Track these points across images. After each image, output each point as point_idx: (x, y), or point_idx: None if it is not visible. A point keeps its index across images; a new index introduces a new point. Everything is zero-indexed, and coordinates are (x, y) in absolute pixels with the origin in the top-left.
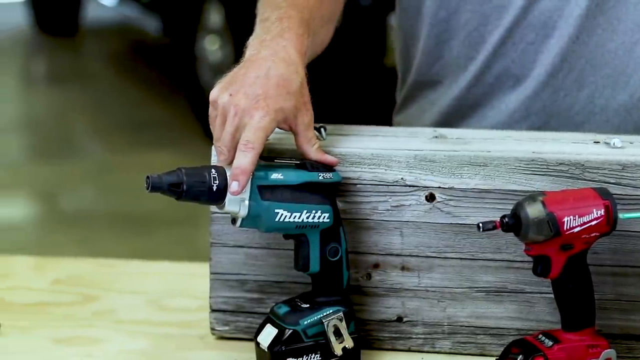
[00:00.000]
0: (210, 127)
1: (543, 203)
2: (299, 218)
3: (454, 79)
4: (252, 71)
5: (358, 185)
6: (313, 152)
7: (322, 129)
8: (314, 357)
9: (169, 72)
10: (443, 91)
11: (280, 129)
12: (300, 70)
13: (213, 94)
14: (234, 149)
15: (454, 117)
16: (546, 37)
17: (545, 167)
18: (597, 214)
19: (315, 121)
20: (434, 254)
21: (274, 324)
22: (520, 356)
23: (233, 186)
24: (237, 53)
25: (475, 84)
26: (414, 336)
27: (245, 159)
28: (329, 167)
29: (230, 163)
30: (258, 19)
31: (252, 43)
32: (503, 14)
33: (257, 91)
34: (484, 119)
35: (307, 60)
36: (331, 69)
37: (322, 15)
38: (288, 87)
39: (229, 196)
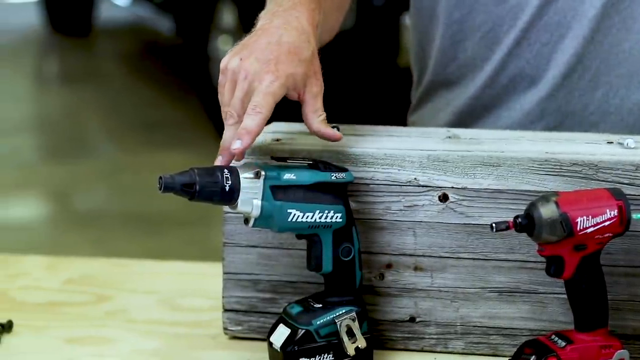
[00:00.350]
0: (219, 94)
1: (556, 203)
2: (311, 218)
3: (469, 80)
4: (264, 38)
5: (371, 185)
6: (316, 122)
7: (336, 129)
8: (326, 357)
9: (181, 72)
10: (458, 91)
11: (289, 97)
12: (312, 40)
13: (223, 61)
14: (243, 113)
15: (468, 117)
16: (561, 38)
17: (558, 167)
18: (610, 214)
19: (329, 120)
20: (447, 254)
21: (287, 324)
22: (533, 357)
23: (236, 144)
24: None
25: (490, 85)
26: (427, 336)
27: (252, 122)
28: (341, 167)
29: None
30: None
31: (264, 15)
32: (518, 15)
33: (268, 56)
34: (499, 120)
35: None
36: (345, 69)
37: (333, 1)
38: (299, 54)
39: (241, 196)
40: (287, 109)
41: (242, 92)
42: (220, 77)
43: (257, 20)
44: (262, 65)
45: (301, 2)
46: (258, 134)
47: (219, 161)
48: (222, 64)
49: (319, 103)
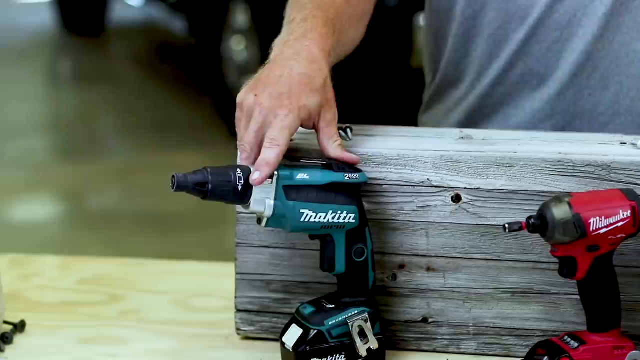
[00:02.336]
0: (237, 129)
1: (569, 204)
2: (324, 218)
3: (478, 78)
4: (276, 71)
5: (384, 186)
6: (333, 148)
7: (349, 130)
8: (338, 358)
9: (194, 73)
10: (467, 90)
11: (305, 127)
12: (323, 67)
13: (239, 97)
14: (257, 147)
15: (478, 116)
16: (570, 36)
17: (571, 168)
18: (623, 215)
19: (341, 121)
20: (459, 255)
21: (299, 324)
22: (546, 357)
23: (255, 175)
24: (263, 53)
25: (499, 83)
26: (439, 337)
27: (271, 153)
28: (355, 168)
29: (253, 162)
30: (285, 21)
31: (276, 45)
32: (528, 13)
33: (280, 90)
34: (508, 118)
35: (335, 59)
36: (357, 70)
37: (351, 14)
38: (311, 85)
39: (254, 196)
40: None
41: (257, 125)
42: (237, 113)
43: (271, 50)
44: (275, 101)
45: (313, 27)
46: (276, 165)
47: (260, 176)
48: (239, 100)
49: (333, 130)
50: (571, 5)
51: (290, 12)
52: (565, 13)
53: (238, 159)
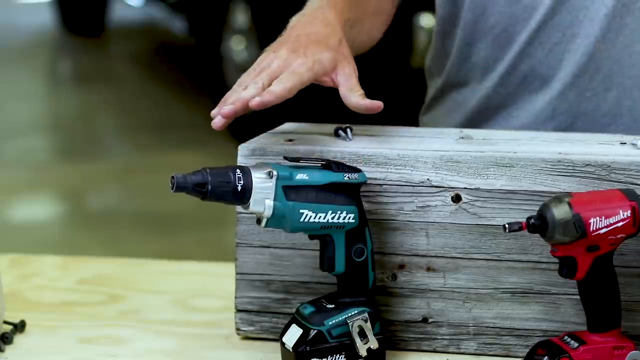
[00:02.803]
0: (249, 73)
1: (569, 204)
2: (324, 218)
3: (481, 80)
4: (293, 32)
5: (384, 186)
6: (355, 98)
7: (349, 130)
8: (338, 358)
9: (194, 73)
10: (470, 92)
11: (324, 84)
12: (338, 30)
13: (257, 61)
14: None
15: (480, 117)
16: (573, 37)
17: (571, 168)
18: (623, 215)
19: (341, 121)
20: (459, 255)
21: (299, 324)
22: (546, 357)
23: (255, 100)
24: None
25: (502, 84)
26: (439, 337)
27: (277, 86)
28: (354, 168)
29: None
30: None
31: (294, 17)
32: (532, 14)
33: (297, 47)
34: (511, 120)
35: (351, 42)
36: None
37: (366, 8)
38: (326, 42)
39: (253, 196)
40: (298, 109)
41: (272, 70)
42: (262, 60)
43: (289, 21)
44: (292, 54)
45: (328, 4)
46: (279, 99)
47: (228, 106)
48: (258, 59)
49: (353, 81)
50: (573, 7)
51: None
52: (567, 14)
53: (238, 158)
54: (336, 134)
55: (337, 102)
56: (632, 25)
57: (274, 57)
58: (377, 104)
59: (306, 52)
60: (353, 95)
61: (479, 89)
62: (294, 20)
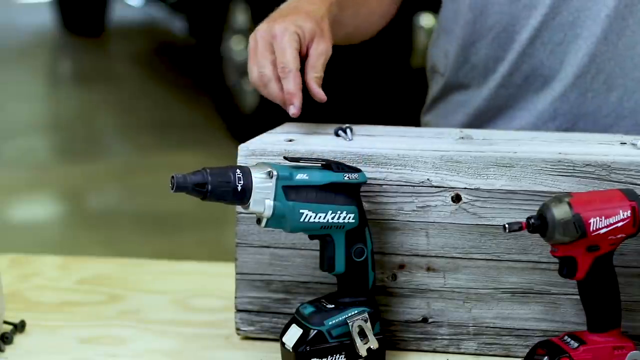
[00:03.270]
0: (250, 59)
1: (569, 204)
2: (324, 218)
3: (483, 81)
4: (277, 11)
5: (384, 186)
6: (310, 78)
7: (349, 130)
8: (338, 358)
9: (194, 73)
10: (472, 93)
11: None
12: (323, 9)
13: (252, 33)
14: (275, 69)
15: (482, 118)
16: (575, 38)
17: (571, 168)
18: (623, 215)
19: (342, 121)
20: (459, 255)
21: (299, 324)
22: (546, 357)
23: (291, 109)
24: None
25: (504, 85)
26: (439, 337)
27: (289, 84)
28: (354, 168)
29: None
30: None
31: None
32: (531, 13)
33: (283, 14)
34: (512, 120)
35: (338, 17)
36: (358, 70)
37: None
38: (308, 14)
39: (253, 196)
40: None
41: (263, 41)
42: (250, 42)
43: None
44: (271, 23)
45: None
46: (299, 91)
47: (295, 107)
48: (252, 34)
49: (320, 62)
50: (575, 7)
51: None
52: (569, 15)
53: (238, 158)
54: (336, 134)
55: (337, 102)
56: (634, 27)
57: (269, 28)
58: (320, 96)
59: (285, 19)
60: (310, 73)
61: (480, 89)
62: (282, 4)
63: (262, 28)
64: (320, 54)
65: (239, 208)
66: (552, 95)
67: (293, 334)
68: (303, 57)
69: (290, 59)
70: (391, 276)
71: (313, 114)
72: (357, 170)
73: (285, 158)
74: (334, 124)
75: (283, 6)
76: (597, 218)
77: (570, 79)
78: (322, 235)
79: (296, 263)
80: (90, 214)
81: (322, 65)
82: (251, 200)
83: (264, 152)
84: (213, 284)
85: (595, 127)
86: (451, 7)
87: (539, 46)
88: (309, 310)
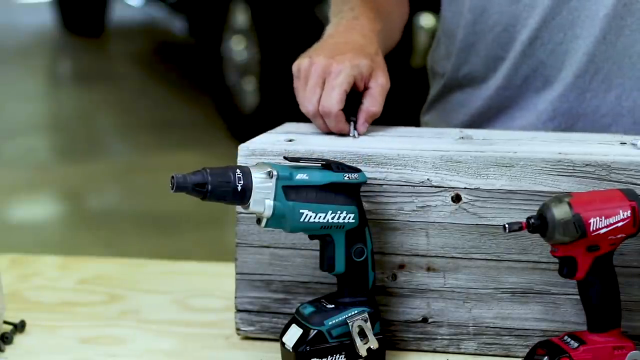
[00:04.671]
0: (296, 94)
1: (569, 204)
2: (324, 218)
3: (483, 81)
4: (330, 39)
5: (384, 186)
6: (364, 110)
7: (353, 123)
8: (338, 358)
9: (194, 73)
10: (472, 93)
11: (357, 89)
12: (374, 41)
13: (294, 65)
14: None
15: (482, 118)
16: (575, 38)
17: (571, 168)
18: (623, 215)
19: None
20: (459, 255)
21: (299, 324)
22: (546, 357)
23: (361, 130)
24: (263, 53)
25: (504, 86)
26: (439, 337)
27: (331, 123)
28: (354, 168)
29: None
30: (332, 12)
31: (329, 27)
32: (532, 14)
33: (334, 52)
34: (512, 121)
35: (382, 45)
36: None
37: (387, 15)
38: (363, 50)
39: (253, 196)
40: (297, 109)
41: (314, 81)
42: (295, 81)
43: (324, 33)
44: (329, 60)
45: (361, 13)
46: (344, 123)
47: (351, 134)
48: (294, 67)
49: (381, 94)
50: (575, 7)
51: (335, 7)
52: (568, 15)
53: (238, 158)
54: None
55: None
56: (632, 26)
57: (311, 64)
58: (361, 130)
59: (344, 57)
60: (368, 103)
61: (481, 90)
62: (331, 29)
63: (319, 62)
64: (381, 86)
65: (239, 208)
66: (551, 95)
67: (293, 334)
68: (361, 92)
69: (333, 102)
70: (391, 276)
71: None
72: (357, 170)
73: (285, 158)
74: None
75: (334, 34)
76: (597, 218)
77: (570, 78)
78: (322, 235)
79: (296, 263)
80: (90, 214)
81: (383, 97)
82: (251, 200)
83: (264, 152)
84: (213, 284)
85: (594, 126)
86: (451, 8)
87: (538, 46)
88: (309, 310)
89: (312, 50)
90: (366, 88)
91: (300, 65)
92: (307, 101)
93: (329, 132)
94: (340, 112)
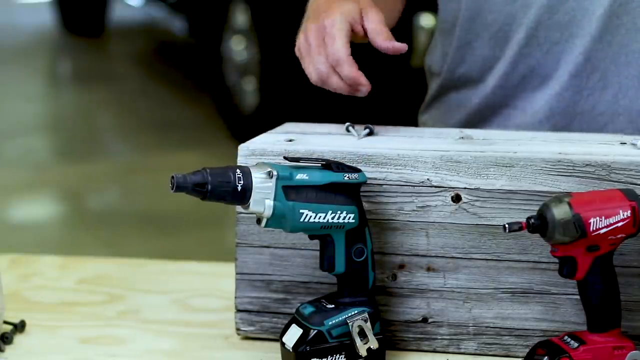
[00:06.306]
0: (305, 60)
1: (569, 204)
2: (324, 218)
3: (480, 80)
4: (313, 8)
5: (384, 186)
6: (380, 42)
7: (351, 126)
8: (338, 358)
9: (194, 73)
10: (469, 92)
11: (357, 35)
12: None
13: (295, 50)
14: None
15: (479, 117)
16: (571, 37)
17: (571, 168)
18: (623, 215)
19: (342, 121)
20: (459, 255)
21: (299, 324)
22: (546, 357)
23: (361, 92)
24: (263, 53)
25: (501, 85)
26: (439, 337)
27: (344, 71)
28: (354, 168)
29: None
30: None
31: (310, 3)
32: (527, 13)
33: (320, 14)
34: (509, 120)
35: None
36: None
37: None
38: (344, 1)
39: (253, 196)
40: (297, 109)
41: (315, 42)
42: (301, 62)
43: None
44: (319, 20)
45: None
46: (358, 71)
47: (363, 87)
48: (295, 51)
49: (380, 26)
50: (571, 6)
51: None
52: (564, 14)
53: (238, 157)
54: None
55: (338, 102)
56: (628, 25)
57: (305, 39)
58: (401, 47)
59: (331, 12)
60: (378, 38)
61: (478, 89)
62: (312, 1)
63: (311, 28)
64: (376, 20)
65: (239, 208)
66: (548, 94)
67: (293, 334)
68: (363, 36)
69: (338, 47)
70: (391, 276)
71: (313, 114)
72: (357, 170)
73: (285, 158)
74: (334, 124)
75: (313, 5)
76: (597, 218)
77: (566, 77)
78: (322, 235)
79: (296, 263)
80: (90, 214)
81: (384, 26)
82: (251, 200)
83: (264, 152)
84: (213, 284)
85: (591, 125)
86: (448, 7)
87: (535, 46)
88: (309, 310)
89: (302, 27)
90: (365, 30)
91: (298, 44)
92: (316, 63)
93: (347, 98)
94: (350, 57)
